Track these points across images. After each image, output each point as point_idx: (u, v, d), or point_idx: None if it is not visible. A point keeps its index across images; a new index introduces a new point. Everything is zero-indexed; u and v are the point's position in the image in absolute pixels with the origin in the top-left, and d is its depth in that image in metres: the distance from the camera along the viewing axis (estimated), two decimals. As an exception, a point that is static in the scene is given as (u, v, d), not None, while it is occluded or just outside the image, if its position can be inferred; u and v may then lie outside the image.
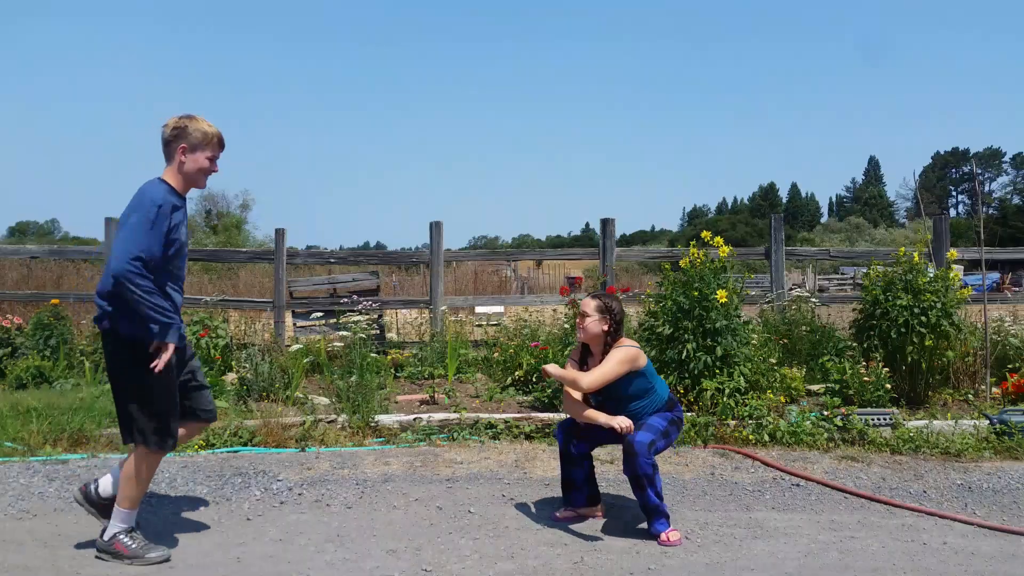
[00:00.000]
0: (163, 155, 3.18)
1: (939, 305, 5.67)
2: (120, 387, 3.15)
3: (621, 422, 3.38)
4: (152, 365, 3.00)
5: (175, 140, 3.12)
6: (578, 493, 3.71)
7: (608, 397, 3.54)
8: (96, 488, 3.30)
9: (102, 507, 3.26)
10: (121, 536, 3.13)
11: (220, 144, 3.21)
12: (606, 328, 3.57)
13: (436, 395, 6.14)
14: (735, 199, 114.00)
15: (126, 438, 3.19)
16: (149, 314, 2.94)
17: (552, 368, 3.46)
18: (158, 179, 3.14)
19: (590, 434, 3.66)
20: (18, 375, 6.31)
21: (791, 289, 8.51)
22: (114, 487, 3.24)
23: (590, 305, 3.61)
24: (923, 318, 5.65)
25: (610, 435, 3.55)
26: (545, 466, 4.52)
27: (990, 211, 71.09)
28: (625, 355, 3.49)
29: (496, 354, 6.96)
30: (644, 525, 3.55)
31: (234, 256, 10.23)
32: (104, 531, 3.19)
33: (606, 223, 8.00)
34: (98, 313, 3.13)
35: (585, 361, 3.69)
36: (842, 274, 35.54)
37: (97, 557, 3.17)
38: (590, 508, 3.73)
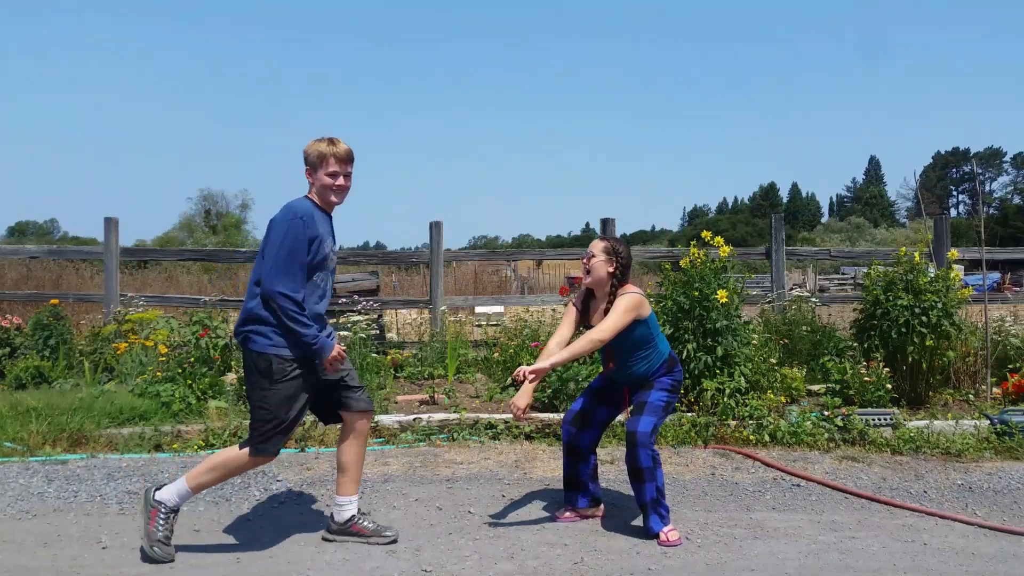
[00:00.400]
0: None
1: (940, 305, 5.67)
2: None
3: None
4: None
5: (305, 163, 3.29)
6: (582, 494, 3.67)
7: (613, 347, 3.49)
8: (332, 517, 3.42)
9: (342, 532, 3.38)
10: (161, 519, 3.15)
11: (341, 160, 3.25)
12: (611, 270, 3.49)
13: (436, 395, 6.14)
14: (735, 199, 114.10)
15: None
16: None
17: (535, 367, 3.25)
18: (303, 196, 3.30)
19: (600, 414, 3.64)
20: (17, 375, 6.30)
21: (791, 289, 8.50)
22: (342, 514, 3.36)
23: (598, 246, 3.53)
24: (924, 318, 5.65)
25: (619, 405, 3.59)
26: (545, 466, 4.51)
27: (991, 211, 71.09)
28: (631, 302, 3.41)
29: (496, 354, 6.95)
30: (643, 524, 3.55)
31: (234, 256, 10.22)
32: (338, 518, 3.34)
33: (606, 223, 7.99)
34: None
35: (588, 307, 3.62)
36: (843, 274, 35.53)
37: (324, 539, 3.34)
38: (593, 509, 3.70)
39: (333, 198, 3.28)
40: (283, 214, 3.14)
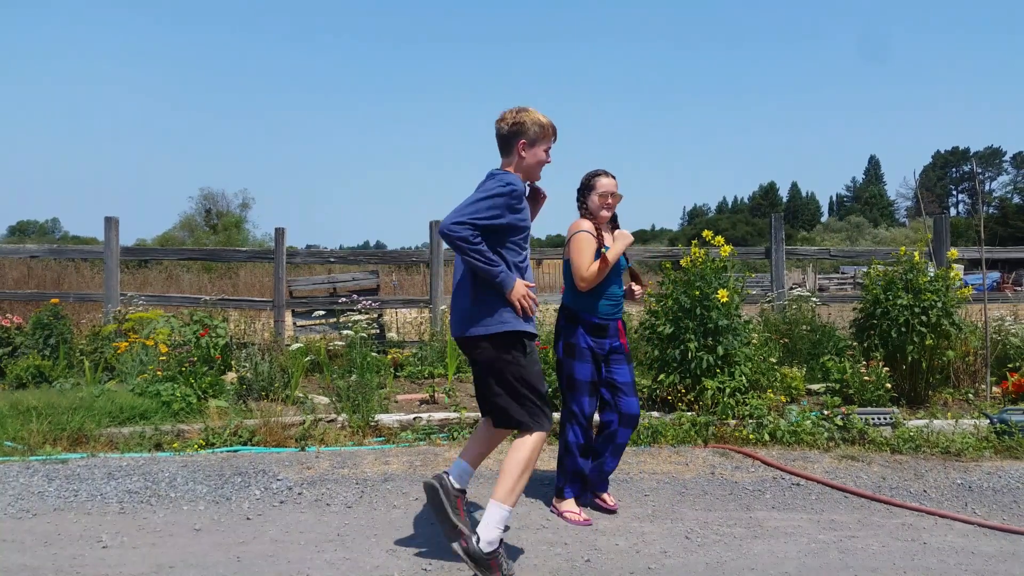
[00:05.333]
0: (499, 150, 3.17)
1: (939, 304, 5.67)
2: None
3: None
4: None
5: (514, 136, 3.10)
6: (587, 489, 3.81)
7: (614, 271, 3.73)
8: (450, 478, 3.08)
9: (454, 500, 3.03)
10: (500, 547, 2.89)
11: (555, 134, 3.18)
12: None
13: (436, 394, 6.14)
14: (735, 198, 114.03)
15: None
16: (487, 269, 2.92)
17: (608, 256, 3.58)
18: (502, 170, 3.12)
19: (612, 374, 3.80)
20: (18, 374, 6.31)
21: (791, 288, 8.51)
22: (463, 480, 3.09)
23: (616, 185, 3.75)
24: (923, 317, 5.65)
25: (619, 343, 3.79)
26: (545, 465, 4.51)
27: (990, 210, 71.05)
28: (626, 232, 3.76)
29: (496, 353, 6.94)
30: (644, 524, 3.55)
31: (234, 255, 10.23)
32: (471, 537, 2.89)
33: (606, 222, 7.99)
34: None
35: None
36: (842, 273, 35.52)
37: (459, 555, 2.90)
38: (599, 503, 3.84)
39: (538, 175, 3.21)
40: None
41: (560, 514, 3.68)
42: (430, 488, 3.00)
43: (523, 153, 3.10)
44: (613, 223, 3.84)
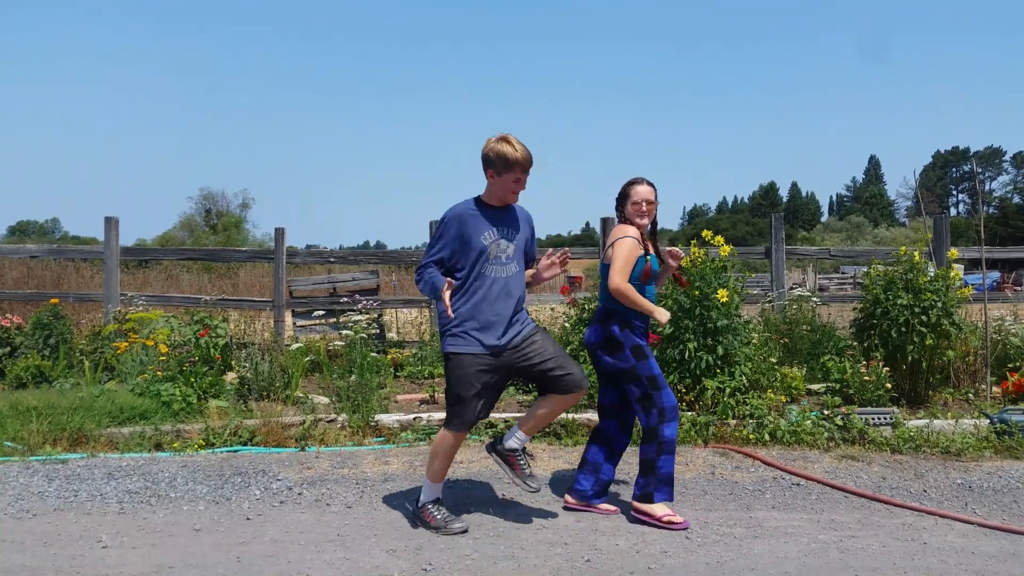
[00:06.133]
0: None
1: (940, 304, 5.67)
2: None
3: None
4: None
5: (485, 164, 3.43)
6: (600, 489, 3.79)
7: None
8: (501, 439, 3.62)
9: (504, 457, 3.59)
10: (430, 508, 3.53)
11: (523, 167, 3.40)
12: None
13: (436, 394, 6.14)
14: (735, 198, 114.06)
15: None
16: None
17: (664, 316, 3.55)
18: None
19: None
20: (18, 374, 6.31)
21: (791, 288, 8.51)
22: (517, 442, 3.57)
23: (654, 192, 3.72)
24: (924, 317, 5.65)
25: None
26: (545, 465, 4.51)
27: (990, 210, 71.07)
28: (676, 250, 3.81)
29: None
30: (644, 524, 3.55)
31: (234, 255, 10.23)
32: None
33: (606, 222, 7.98)
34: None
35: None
36: (842, 273, 35.51)
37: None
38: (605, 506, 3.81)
39: (511, 199, 3.52)
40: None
41: (654, 520, 3.54)
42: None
43: (491, 180, 3.43)
44: (652, 230, 3.79)
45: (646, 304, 3.53)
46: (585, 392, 3.54)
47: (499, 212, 3.49)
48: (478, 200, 3.51)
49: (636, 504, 3.60)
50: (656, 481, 3.55)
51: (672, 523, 3.51)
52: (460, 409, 3.40)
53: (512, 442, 3.55)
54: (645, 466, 3.58)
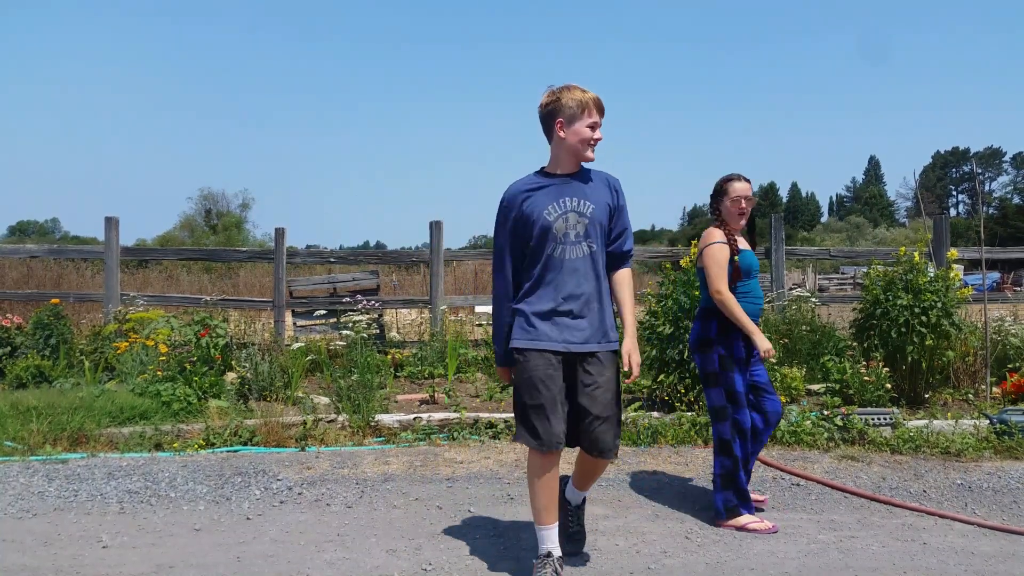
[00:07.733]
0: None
1: (939, 305, 5.67)
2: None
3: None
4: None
5: (550, 116, 2.90)
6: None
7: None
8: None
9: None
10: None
11: (599, 108, 2.90)
12: None
13: (436, 394, 6.14)
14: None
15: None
16: None
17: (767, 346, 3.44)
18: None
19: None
20: (18, 374, 6.31)
21: (791, 288, 8.52)
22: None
23: (751, 189, 3.63)
24: (923, 318, 5.65)
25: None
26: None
27: (990, 211, 71.04)
28: None
29: (496, 353, 6.95)
30: (644, 524, 3.55)
31: (234, 255, 10.23)
32: None
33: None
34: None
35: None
36: (842, 274, 35.51)
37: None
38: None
39: (587, 154, 2.92)
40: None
41: (742, 528, 3.52)
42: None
43: (562, 133, 2.87)
44: (750, 228, 3.74)
45: (747, 324, 3.41)
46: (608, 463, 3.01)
47: (568, 181, 2.91)
48: (540, 171, 2.97)
49: (725, 521, 3.58)
50: (737, 496, 3.54)
51: (763, 528, 3.50)
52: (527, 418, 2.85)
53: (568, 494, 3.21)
54: (725, 481, 3.55)
